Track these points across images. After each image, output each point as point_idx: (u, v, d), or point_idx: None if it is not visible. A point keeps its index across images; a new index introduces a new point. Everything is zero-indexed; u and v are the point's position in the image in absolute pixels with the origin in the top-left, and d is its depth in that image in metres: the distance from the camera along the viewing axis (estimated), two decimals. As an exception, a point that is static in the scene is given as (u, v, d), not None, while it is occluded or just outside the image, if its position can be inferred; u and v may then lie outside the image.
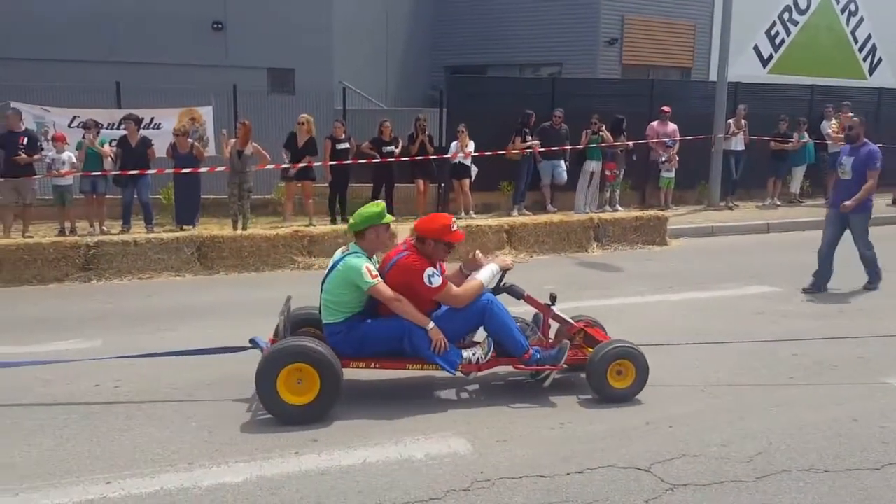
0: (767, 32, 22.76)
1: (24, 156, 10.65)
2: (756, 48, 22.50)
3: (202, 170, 11.51)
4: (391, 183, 12.86)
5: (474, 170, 13.03)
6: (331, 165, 12.24)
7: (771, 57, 22.92)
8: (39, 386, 5.20)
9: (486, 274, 4.97)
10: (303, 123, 11.98)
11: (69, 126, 12.13)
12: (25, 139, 10.81)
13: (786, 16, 23.06)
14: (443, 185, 13.77)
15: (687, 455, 4.11)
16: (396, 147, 12.80)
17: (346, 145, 12.46)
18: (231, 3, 16.32)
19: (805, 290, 8.02)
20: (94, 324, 7.01)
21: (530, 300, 5.17)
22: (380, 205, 4.96)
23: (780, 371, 5.61)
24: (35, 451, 4.18)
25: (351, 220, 4.90)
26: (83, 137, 11.15)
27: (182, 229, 10.93)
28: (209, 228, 10.83)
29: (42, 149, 11.13)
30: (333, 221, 12.18)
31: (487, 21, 21.30)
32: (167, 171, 11.37)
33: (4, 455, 4.12)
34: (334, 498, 3.64)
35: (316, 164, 12.09)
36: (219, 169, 11.76)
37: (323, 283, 4.88)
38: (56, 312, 7.52)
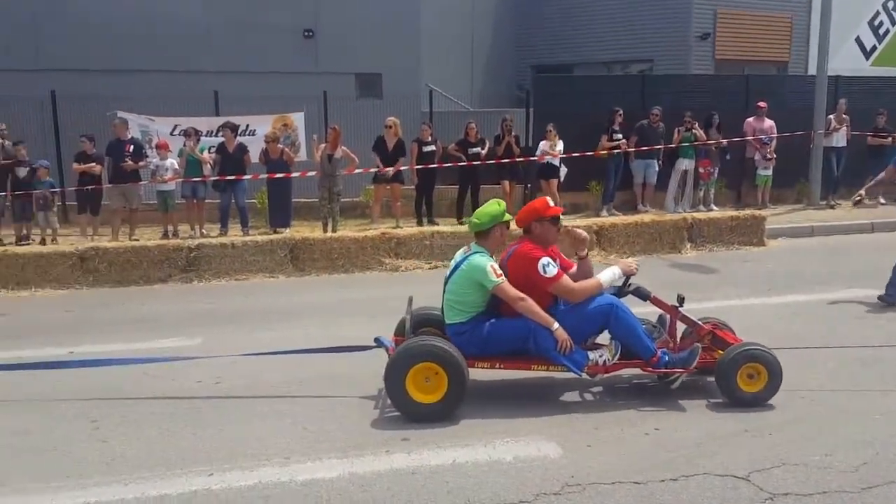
0: (870, 23, 21.59)
1: (130, 163, 11.25)
2: (858, 39, 21.38)
3: (294, 174, 11.86)
4: (477, 184, 12.89)
5: (563, 170, 12.90)
6: (417, 168, 12.37)
7: (874, 48, 21.72)
8: (147, 381, 5.48)
9: (606, 275, 4.90)
10: (390, 126, 12.16)
11: (171, 134, 12.73)
12: (132, 147, 11.42)
13: (891, 4, 21.80)
14: (529, 185, 13.70)
15: (787, 464, 3.95)
16: (482, 148, 12.81)
17: (433, 148, 12.57)
18: (322, 11, 16.74)
19: (881, 298, 7.44)
20: (195, 323, 7.32)
21: (657, 301, 5.08)
22: (501, 203, 4.97)
23: (885, 377, 5.31)
24: (143, 443, 4.40)
25: (475, 220, 4.89)
26: (184, 145, 11.68)
27: (276, 232, 11.29)
28: (301, 231, 11.15)
29: (147, 156, 11.72)
30: (420, 223, 12.30)
31: (574, 19, 21.06)
32: (261, 176, 11.76)
33: (116, 446, 4.36)
34: (424, 497, 3.68)
35: (403, 167, 12.26)
36: (310, 173, 12.08)
37: (446, 283, 4.91)
38: (160, 312, 7.90)
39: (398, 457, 4.11)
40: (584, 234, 5.18)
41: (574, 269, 5.08)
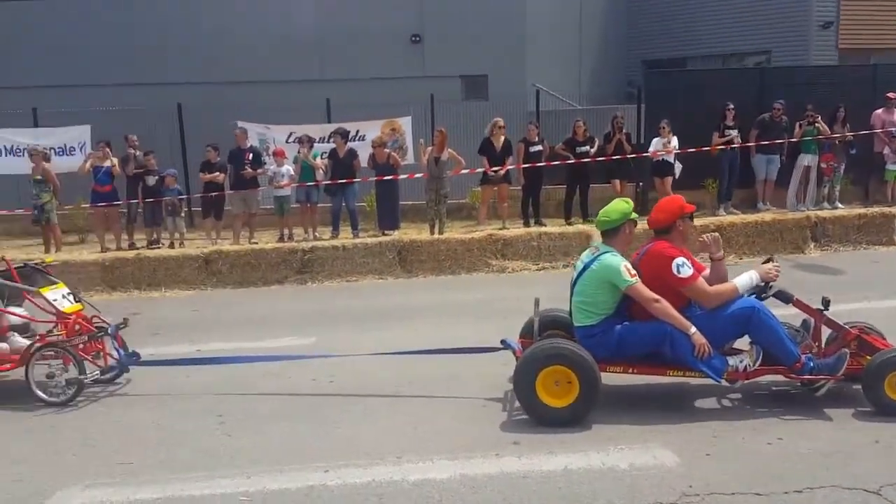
0: None
1: (249, 170, 11.78)
2: None
3: (402, 176, 12.06)
4: (586, 184, 12.69)
5: (678, 167, 12.49)
6: (524, 168, 12.31)
7: None
8: (267, 379, 5.71)
9: (743, 280, 4.70)
10: (501, 127, 12.16)
11: (287, 141, 13.23)
12: (251, 155, 11.94)
13: None
14: (641, 184, 13.36)
15: (927, 480, 3.67)
16: (591, 147, 12.60)
17: (540, 147, 12.47)
18: (428, 16, 16.96)
19: None
20: (309, 322, 7.58)
21: (800, 304, 4.84)
22: (629, 201, 4.86)
23: None
24: (264, 438, 4.59)
25: (604, 218, 4.79)
26: (298, 152, 12.11)
27: (384, 234, 11.51)
28: (409, 233, 11.33)
29: (265, 163, 12.22)
30: (527, 224, 12.23)
31: (686, 10, 20.38)
32: (370, 178, 12.03)
33: (240, 440, 4.57)
34: (536, 502, 3.65)
35: (509, 167, 12.23)
36: (417, 175, 12.25)
37: (573, 285, 4.81)
38: (276, 312, 8.23)
39: (509, 460, 4.09)
40: (716, 234, 4.97)
41: (707, 271, 4.86)
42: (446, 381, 5.38)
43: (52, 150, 12.86)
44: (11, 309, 5.78)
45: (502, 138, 12.19)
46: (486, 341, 5.42)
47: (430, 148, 11.81)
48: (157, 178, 11.81)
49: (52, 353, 5.38)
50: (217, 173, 11.80)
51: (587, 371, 4.42)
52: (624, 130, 12.69)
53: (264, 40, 16.48)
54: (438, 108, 14.50)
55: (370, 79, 16.03)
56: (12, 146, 13.44)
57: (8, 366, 5.48)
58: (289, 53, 16.37)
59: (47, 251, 11.20)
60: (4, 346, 5.56)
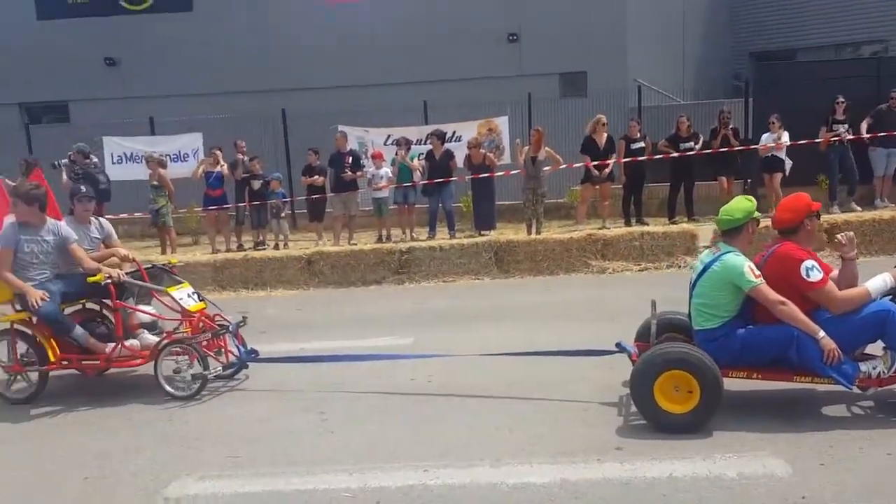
0: None
1: (349, 173, 12.05)
2: None
3: (498, 173, 12.03)
4: (691, 181, 12.29)
5: (788, 163, 11.90)
6: (626, 166, 12.04)
7: None
8: (368, 377, 5.80)
9: (876, 284, 4.42)
10: (604, 124, 11.94)
11: (385, 144, 13.47)
12: (350, 158, 12.22)
13: None
14: (749, 180, 12.81)
15: None
16: (696, 143, 12.19)
17: (641, 144, 12.18)
18: (525, 15, 16.85)
19: None
20: (407, 322, 7.66)
21: None
22: (751, 199, 4.67)
23: None
24: (365, 436, 4.67)
25: (726, 217, 4.60)
26: (396, 154, 12.29)
27: (481, 234, 11.52)
28: (505, 233, 11.29)
29: (364, 166, 12.49)
30: (628, 224, 11.96)
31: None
32: (467, 179, 12.06)
33: (341, 437, 4.66)
34: (639, 509, 3.55)
35: (610, 161, 11.98)
36: (513, 172, 12.18)
37: (693, 286, 4.65)
38: (375, 311, 8.36)
39: (611, 466, 4.00)
40: (851, 233, 4.68)
41: (835, 272, 4.59)
42: (546, 384, 5.31)
43: (168, 157, 13.58)
44: (141, 307, 6.10)
45: (605, 135, 11.98)
46: (587, 343, 5.32)
47: (526, 147, 11.73)
48: (262, 182, 12.26)
49: (179, 349, 5.63)
50: (317, 176, 12.12)
51: (709, 376, 4.24)
52: (731, 125, 12.20)
53: (363, 44, 16.83)
54: (536, 106, 14.41)
55: (467, 79, 16.09)
56: (131, 153, 14.28)
57: (139, 361, 5.77)
58: (387, 57, 16.65)
59: (163, 252, 11.82)
60: (136, 342, 5.84)
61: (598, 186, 12.11)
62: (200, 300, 6.03)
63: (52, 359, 5.68)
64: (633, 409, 4.52)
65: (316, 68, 16.78)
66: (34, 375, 5.81)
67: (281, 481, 4.05)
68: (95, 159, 12.19)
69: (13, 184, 10.95)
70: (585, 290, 8.74)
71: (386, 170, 12.16)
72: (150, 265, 6.47)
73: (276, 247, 11.99)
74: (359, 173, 12.19)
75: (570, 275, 9.58)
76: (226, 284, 9.97)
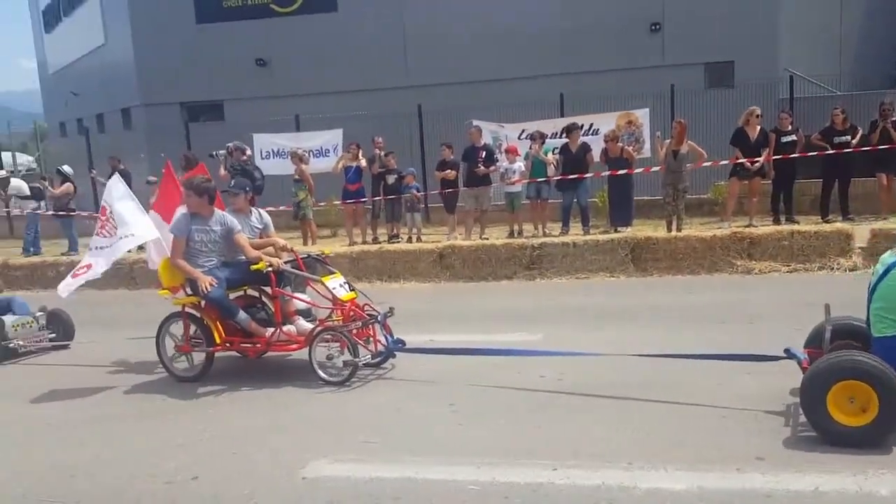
0: None
1: (482, 168, 12.09)
2: None
3: (637, 170, 11.69)
4: (846, 178, 11.42)
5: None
6: (775, 161, 11.35)
7: None
8: (497, 372, 5.79)
9: None
10: (758, 116, 11.32)
11: (519, 138, 13.40)
12: (484, 153, 12.25)
13: None
14: (913, 178, 11.73)
15: None
16: (852, 137, 11.31)
17: (793, 138, 11.45)
18: (669, 2, 16.25)
19: None
20: (538, 319, 7.59)
21: None
22: None
23: None
24: (494, 430, 4.66)
25: None
26: (530, 147, 12.21)
27: (616, 231, 11.23)
28: (643, 230, 10.94)
29: (497, 160, 12.49)
30: (776, 222, 11.28)
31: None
32: (603, 173, 11.79)
33: (470, 430, 4.68)
34: (784, 525, 3.33)
35: (761, 159, 11.34)
36: (653, 169, 11.80)
37: (872, 290, 4.35)
38: (505, 306, 8.34)
39: (751, 476, 3.77)
40: None
41: None
42: (683, 388, 5.10)
43: (310, 153, 14.18)
44: (298, 295, 6.39)
45: (758, 128, 11.35)
46: (734, 347, 5.11)
47: (668, 141, 11.32)
48: (396, 176, 12.54)
49: (331, 336, 5.83)
50: (449, 171, 12.25)
51: (890, 388, 3.92)
52: (892, 118, 11.22)
53: (499, 38, 16.84)
54: (679, 98, 13.88)
55: (606, 71, 15.75)
56: (278, 149, 15.03)
57: (295, 346, 6.04)
58: (523, 49, 16.58)
59: (304, 244, 12.36)
60: (292, 328, 6.11)
61: (746, 182, 11.48)
62: (351, 290, 6.20)
63: (217, 341, 6.07)
64: (787, 419, 4.27)
65: (452, 64, 16.97)
66: (201, 355, 6.22)
67: (411, 470, 4.12)
68: (250, 152, 12.91)
69: (154, 180, 11.85)
70: (728, 291, 8.32)
71: (519, 164, 12.10)
72: (305, 255, 6.75)
73: (410, 240, 12.24)
74: (492, 168, 12.21)
75: (712, 275, 9.16)
76: (361, 276, 10.28)
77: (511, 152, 12.24)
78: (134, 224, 6.58)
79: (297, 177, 12.78)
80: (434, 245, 10.54)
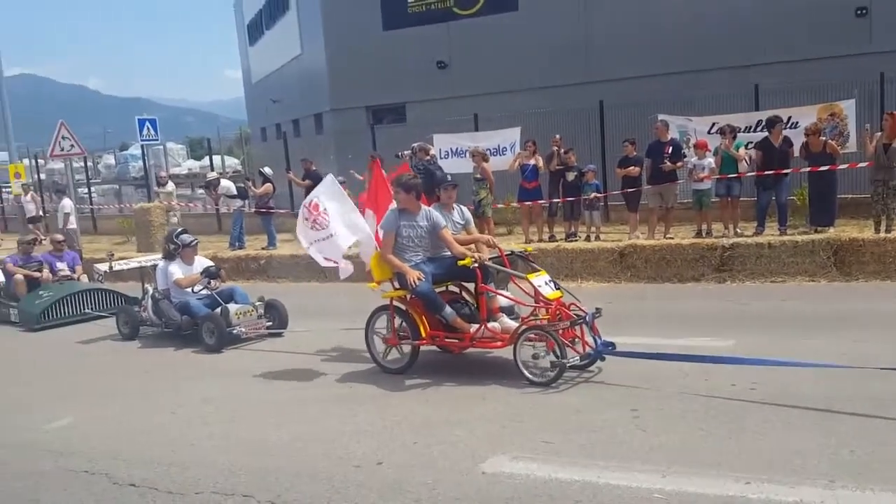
0: None
1: (668, 164, 11.62)
2: None
3: (841, 166, 10.71)
4: None
5: None
6: None
7: None
8: (682, 377, 5.55)
9: None
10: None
11: (709, 132, 12.72)
12: (670, 148, 11.76)
13: None
14: None
15: None
16: None
17: None
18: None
19: None
20: (728, 324, 7.17)
21: None
22: None
23: None
24: (680, 437, 4.47)
25: None
26: (720, 143, 11.56)
27: (816, 231, 10.35)
28: (847, 230, 10.04)
29: (685, 156, 11.95)
30: None
31: None
32: (803, 170, 10.92)
33: (654, 437, 4.52)
34: None
35: None
36: (860, 165, 10.77)
37: None
38: (692, 310, 7.98)
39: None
40: None
41: None
42: (890, 404, 4.60)
43: (489, 151, 14.35)
44: (501, 291, 6.27)
45: None
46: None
47: (878, 134, 10.26)
48: (576, 173, 12.35)
49: (536, 335, 5.68)
50: (632, 167, 11.89)
51: None
52: None
53: (685, 28, 16.13)
54: (889, 87, 12.53)
55: (804, 60, 14.56)
56: (457, 148, 15.34)
57: (499, 343, 5.94)
58: (712, 39, 15.76)
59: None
60: (496, 325, 6.00)
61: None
62: (557, 288, 6.01)
63: (423, 334, 6.13)
64: None
65: (634, 57, 16.48)
66: (407, 348, 6.35)
67: (593, 473, 4.04)
68: (433, 151, 13.30)
69: (361, 178, 12.48)
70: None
71: (709, 160, 11.50)
72: (508, 251, 6.70)
73: (588, 238, 12.02)
74: (678, 164, 11.70)
75: (930, 281, 8.23)
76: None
77: (700, 147, 11.64)
78: (347, 222, 6.90)
79: (478, 175, 12.97)
80: (615, 244, 10.29)
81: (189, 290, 8.50)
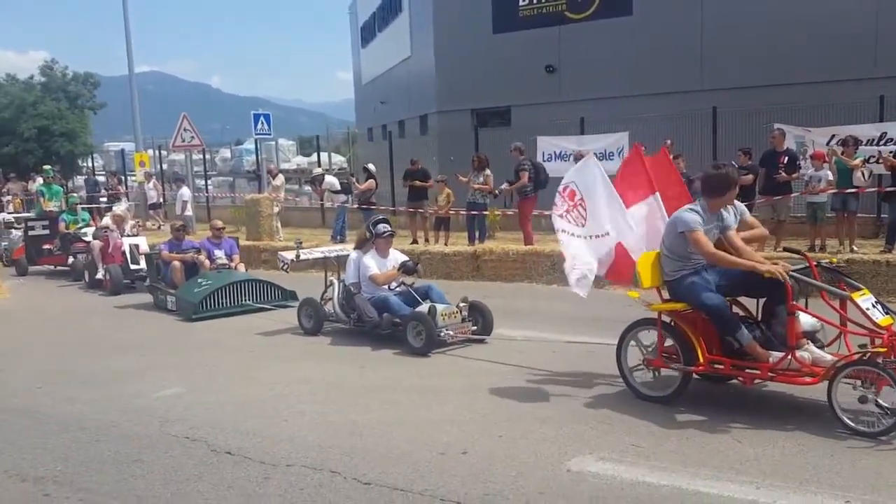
0: None
1: (783, 174, 11.10)
2: None
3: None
4: None
5: None
6: None
7: None
8: (771, 391, 5.30)
9: None
10: None
11: (827, 144, 12.09)
12: (786, 158, 11.24)
13: None
14: None
15: None
16: None
17: None
18: None
19: None
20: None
21: None
22: None
23: None
24: (774, 450, 4.28)
25: None
26: (839, 154, 10.95)
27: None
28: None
29: (800, 167, 11.39)
30: None
31: None
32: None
33: (748, 448, 4.34)
34: None
35: None
36: None
37: None
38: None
39: None
40: None
41: None
42: None
43: (594, 155, 14.13)
44: (815, 312, 4.91)
45: None
46: None
47: None
48: (686, 180, 11.96)
49: (863, 372, 4.42)
50: (745, 176, 11.40)
51: None
52: None
53: (807, 39, 15.42)
54: None
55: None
56: (560, 152, 15.20)
57: (808, 379, 4.65)
58: (835, 50, 15.00)
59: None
60: (806, 354, 4.74)
61: None
62: (887, 313, 4.73)
63: (700, 359, 4.97)
64: None
65: (750, 65, 15.89)
66: (673, 373, 5.21)
67: (683, 479, 3.92)
68: (523, 150, 13.16)
69: (466, 179, 12.56)
70: None
71: (827, 172, 10.91)
72: (817, 262, 5.28)
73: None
74: (794, 175, 11.16)
75: None
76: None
77: (817, 158, 11.06)
78: (610, 219, 5.83)
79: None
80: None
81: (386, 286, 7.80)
